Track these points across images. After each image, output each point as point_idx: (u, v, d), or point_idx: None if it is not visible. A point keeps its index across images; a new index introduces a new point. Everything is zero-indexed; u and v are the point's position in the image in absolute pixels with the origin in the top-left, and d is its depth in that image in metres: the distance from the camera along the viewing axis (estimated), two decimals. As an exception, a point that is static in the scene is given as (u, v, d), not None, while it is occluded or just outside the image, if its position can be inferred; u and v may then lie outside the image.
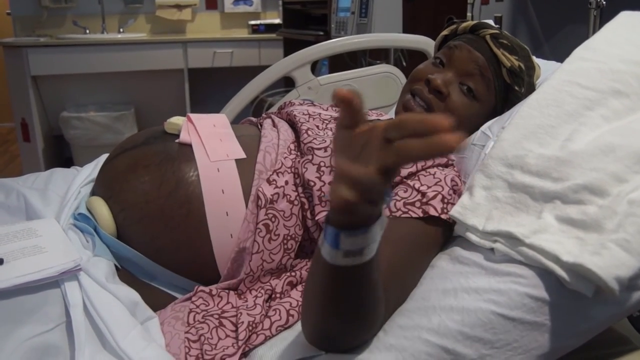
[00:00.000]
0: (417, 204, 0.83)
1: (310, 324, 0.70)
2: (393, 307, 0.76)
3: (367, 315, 0.68)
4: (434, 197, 0.83)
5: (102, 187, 0.89)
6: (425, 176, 0.87)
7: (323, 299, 0.65)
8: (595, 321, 0.72)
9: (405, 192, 0.85)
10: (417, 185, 0.85)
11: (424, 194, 0.84)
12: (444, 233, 0.85)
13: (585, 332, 0.73)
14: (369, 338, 0.72)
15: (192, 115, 0.95)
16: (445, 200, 0.84)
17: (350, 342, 0.71)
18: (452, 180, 0.87)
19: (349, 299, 0.63)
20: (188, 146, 0.89)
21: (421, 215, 0.82)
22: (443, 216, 0.82)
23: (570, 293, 0.70)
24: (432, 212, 0.82)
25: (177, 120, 0.93)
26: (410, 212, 0.82)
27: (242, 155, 0.90)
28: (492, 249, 0.77)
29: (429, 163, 0.89)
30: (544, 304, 0.71)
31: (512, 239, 0.75)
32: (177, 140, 0.90)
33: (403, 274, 0.78)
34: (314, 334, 0.70)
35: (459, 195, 0.87)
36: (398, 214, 0.82)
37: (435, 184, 0.85)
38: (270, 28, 3.75)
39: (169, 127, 0.93)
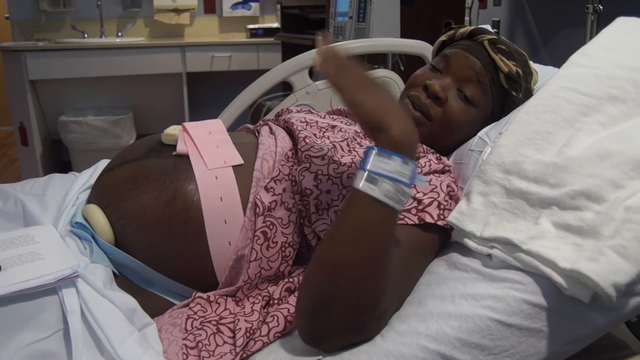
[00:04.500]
0: (413, 211, 0.83)
1: (312, 286, 0.71)
2: (389, 314, 0.76)
3: (376, 278, 0.70)
4: (430, 204, 0.83)
5: (100, 196, 0.89)
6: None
7: (344, 242, 0.69)
8: (593, 327, 0.72)
9: (401, 198, 0.85)
10: (412, 192, 0.85)
11: (419, 201, 0.84)
12: (440, 239, 0.85)
13: (583, 338, 0.73)
14: (364, 333, 0.72)
15: (187, 124, 0.95)
16: (442, 207, 0.84)
17: (345, 324, 0.70)
18: (448, 186, 0.87)
19: (368, 248, 0.69)
20: (186, 156, 0.89)
21: (417, 222, 0.82)
22: (439, 223, 0.82)
23: (567, 299, 0.70)
24: (428, 219, 0.82)
25: (172, 130, 0.93)
26: (406, 219, 0.82)
27: (240, 160, 0.90)
28: (489, 255, 0.78)
29: (425, 170, 0.89)
30: (542, 310, 0.71)
31: (509, 245, 0.76)
32: (174, 153, 0.89)
33: (399, 281, 0.77)
34: (310, 299, 0.71)
35: (456, 201, 0.87)
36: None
37: (431, 191, 0.85)
38: (268, 32, 3.76)
39: (166, 138, 0.93)
